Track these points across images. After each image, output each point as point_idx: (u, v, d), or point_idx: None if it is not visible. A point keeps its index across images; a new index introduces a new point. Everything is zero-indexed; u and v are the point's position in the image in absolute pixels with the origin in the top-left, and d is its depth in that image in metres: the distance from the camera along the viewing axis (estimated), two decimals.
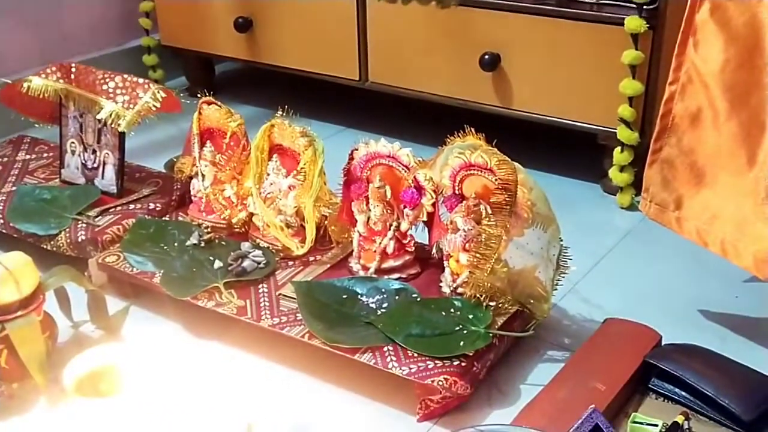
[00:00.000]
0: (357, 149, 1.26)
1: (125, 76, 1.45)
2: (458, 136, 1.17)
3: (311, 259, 1.29)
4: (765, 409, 1.01)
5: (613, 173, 1.58)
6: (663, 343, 1.13)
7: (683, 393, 1.05)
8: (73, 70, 1.49)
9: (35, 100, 1.52)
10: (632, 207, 1.58)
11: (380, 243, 1.24)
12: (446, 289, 1.20)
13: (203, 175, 1.38)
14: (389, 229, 1.24)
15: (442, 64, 1.71)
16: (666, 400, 1.06)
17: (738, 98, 1.09)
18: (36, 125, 1.62)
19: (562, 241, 1.18)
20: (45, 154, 1.65)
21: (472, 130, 1.16)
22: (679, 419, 1.02)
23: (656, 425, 1.01)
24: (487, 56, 1.61)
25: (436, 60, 1.71)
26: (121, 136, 1.46)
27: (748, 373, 1.06)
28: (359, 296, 1.20)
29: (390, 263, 1.25)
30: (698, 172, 1.16)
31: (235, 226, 1.37)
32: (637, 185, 1.50)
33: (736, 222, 1.12)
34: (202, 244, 1.31)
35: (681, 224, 1.20)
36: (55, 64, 1.50)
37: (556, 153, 1.74)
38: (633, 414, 1.03)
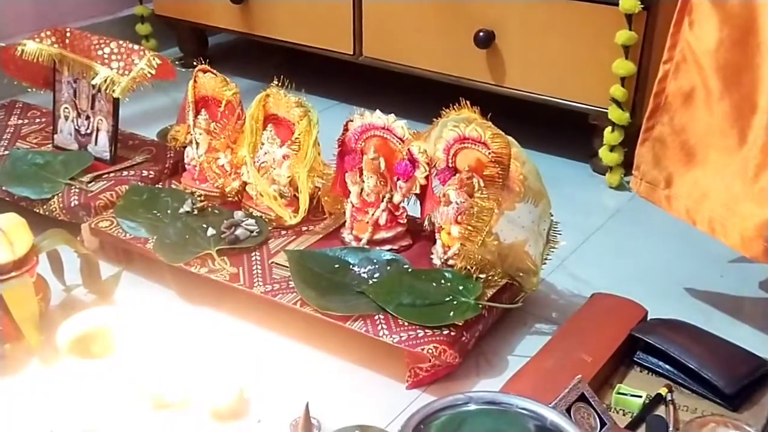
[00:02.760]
0: (352, 120, 1.26)
1: (120, 42, 1.45)
2: (453, 108, 1.18)
3: (304, 229, 1.30)
4: (746, 383, 1.03)
5: (603, 153, 1.60)
6: (649, 318, 1.15)
7: (667, 366, 1.07)
8: (68, 35, 1.48)
9: (29, 65, 1.51)
10: (621, 187, 1.59)
11: (373, 214, 1.25)
12: (437, 261, 1.22)
13: (197, 143, 1.38)
14: (382, 201, 1.25)
15: (436, 40, 1.71)
16: (650, 373, 1.08)
17: (731, 78, 1.10)
18: (29, 90, 1.61)
19: (552, 216, 1.20)
20: (38, 120, 1.64)
21: (467, 103, 1.16)
22: (663, 391, 1.04)
23: (640, 396, 1.03)
24: (481, 33, 1.62)
25: (430, 36, 1.72)
26: (116, 102, 1.46)
27: (731, 348, 1.08)
28: (351, 266, 1.21)
29: (382, 234, 1.26)
30: (689, 151, 1.18)
31: (229, 195, 1.37)
32: (626, 165, 1.51)
33: (725, 201, 1.14)
34: (195, 212, 1.32)
35: (671, 202, 1.22)
36: (50, 29, 1.49)
37: (547, 132, 1.75)
38: (618, 385, 1.05)
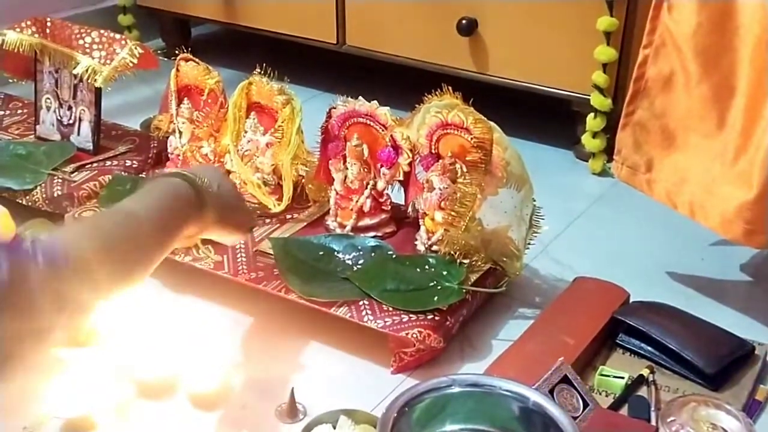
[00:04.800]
0: (335, 107, 1.26)
1: (102, 31, 1.44)
2: (436, 94, 1.18)
3: (288, 216, 1.31)
4: (726, 363, 1.05)
5: (585, 139, 1.60)
6: (631, 300, 1.16)
7: (649, 348, 1.08)
8: (49, 24, 1.48)
9: (10, 55, 1.50)
10: (604, 173, 1.60)
11: (357, 201, 1.26)
12: (421, 247, 1.22)
13: (180, 132, 1.38)
14: (366, 188, 1.26)
15: (419, 29, 1.71)
16: (632, 355, 1.09)
17: (710, 62, 1.11)
18: (10, 81, 1.60)
19: (535, 201, 1.20)
20: (19, 111, 1.63)
21: (449, 89, 1.17)
22: (645, 372, 1.05)
23: (622, 378, 1.04)
24: (464, 21, 1.62)
25: (413, 24, 1.72)
26: (98, 92, 1.45)
27: (711, 330, 1.10)
28: (335, 253, 1.21)
29: (366, 221, 1.27)
30: (669, 135, 1.19)
31: None
32: (609, 151, 1.52)
33: (705, 184, 1.15)
34: None
35: (651, 186, 1.23)
36: (30, 19, 1.48)
37: (530, 119, 1.76)
38: (600, 367, 1.06)
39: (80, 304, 0.73)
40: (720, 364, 1.04)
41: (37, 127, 1.54)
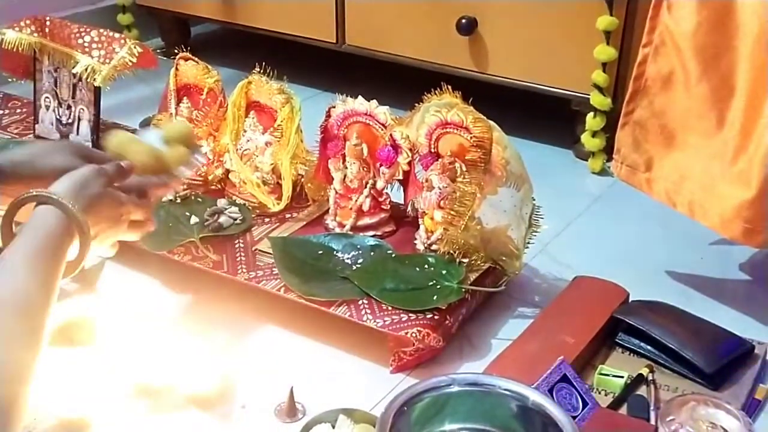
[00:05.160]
0: (334, 107, 1.26)
1: (101, 30, 1.44)
2: (435, 93, 1.18)
3: (287, 216, 1.30)
4: (726, 363, 1.05)
5: (585, 139, 1.60)
6: (630, 300, 1.16)
7: (648, 347, 1.08)
8: (48, 23, 1.48)
9: (9, 54, 1.50)
10: (603, 172, 1.60)
11: (356, 200, 1.26)
12: (420, 246, 1.22)
13: None
14: (365, 187, 1.25)
15: (419, 28, 1.71)
16: (632, 354, 1.09)
17: (709, 61, 1.11)
18: (9, 80, 1.60)
19: (534, 200, 1.20)
20: (19, 110, 1.63)
21: (449, 87, 1.17)
22: (644, 371, 1.05)
23: (622, 377, 1.04)
24: (464, 20, 1.62)
25: (413, 23, 1.72)
26: (97, 91, 1.45)
27: (711, 329, 1.10)
28: (335, 252, 1.21)
29: (366, 221, 1.26)
30: (669, 134, 1.19)
31: (212, 183, 1.37)
32: (608, 151, 1.52)
33: (704, 183, 1.15)
34: (178, 201, 1.32)
35: (651, 185, 1.23)
36: (30, 17, 1.48)
37: (530, 119, 1.76)
38: (600, 366, 1.06)
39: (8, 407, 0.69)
40: (719, 363, 1.04)
41: (36, 126, 1.54)
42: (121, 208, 0.91)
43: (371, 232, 1.26)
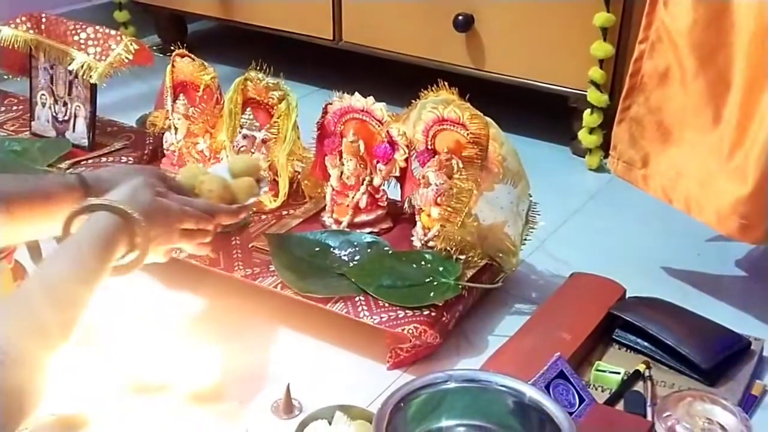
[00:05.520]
0: (331, 103, 1.26)
1: (97, 27, 1.44)
2: (432, 90, 1.18)
3: (284, 213, 1.30)
4: (722, 359, 1.05)
5: (582, 135, 1.60)
6: (627, 296, 1.16)
7: (645, 343, 1.08)
8: (44, 20, 1.47)
9: (4, 51, 1.50)
10: (600, 169, 1.60)
11: (353, 197, 1.26)
12: (417, 243, 1.22)
13: (176, 129, 1.37)
14: (362, 184, 1.25)
15: (416, 25, 1.71)
16: (629, 350, 1.09)
17: (705, 57, 1.11)
18: (5, 77, 1.60)
19: (531, 196, 1.20)
20: (15, 107, 1.63)
21: (446, 84, 1.17)
22: (641, 368, 1.05)
23: (619, 373, 1.04)
24: (461, 17, 1.62)
25: (410, 20, 1.71)
26: (93, 88, 1.45)
27: (707, 325, 1.10)
28: (332, 249, 1.21)
29: (362, 218, 1.26)
30: (665, 130, 1.19)
31: None
32: (605, 147, 1.52)
33: (701, 179, 1.15)
34: None
35: (647, 182, 1.23)
36: (25, 14, 1.48)
37: (527, 115, 1.76)
38: (597, 362, 1.06)
39: (28, 394, 0.71)
40: (716, 360, 1.04)
41: (33, 123, 1.53)
42: (172, 215, 0.96)
43: (368, 229, 1.26)
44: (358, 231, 1.25)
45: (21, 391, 0.70)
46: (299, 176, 1.32)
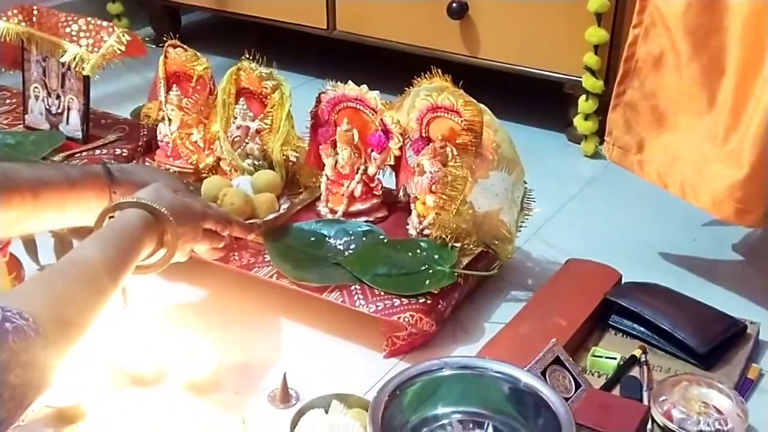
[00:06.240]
0: (324, 92, 1.26)
1: (89, 18, 1.43)
2: (425, 78, 1.18)
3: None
4: (718, 343, 1.05)
5: (577, 122, 1.60)
6: (623, 281, 1.16)
7: (641, 328, 1.08)
8: (35, 12, 1.46)
9: None
10: (596, 155, 1.60)
11: (348, 186, 1.25)
12: (413, 231, 1.22)
13: (170, 120, 1.37)
14: (357, 173, 1.25)
15: (410, 13, 1.70)
16: (625, 335, 1.09)
17: (699, 41, 1.11)
18: None
19: (526, 183, 1.20)
20: (8, 101, 1.62)
21: (439, 71, 1.16)
22: (637, 353, 1.05)
23: (615, 358, 1.04)
24: (455, 4, 1.62)
25: (404, 8, 1.71)
26: (86, 80, 1.44)
27: (703, 309, 1.10)
28: (327, 238, 1.21)
29: (357, 206, 1.26)
30: (660, 116, 1.19)
31: (203, 171, 1.36)
32: (601, 134, 1.52)
33: (696, 163, 1.15)
34: None
35: (642, 167, 1.23)
36: (17, 7, 1.47)
37: (522, 102, 1.76)
38: (593, 348, 1.06)
39: (49, 371, 0.72)
40: (712, 344, 1.04)
41: (26, 116, 1.53)
42: (196, 213, 1.00)
43: (363, 218, 1.26)
44: (353, 220, 1.24)
45: (44, 367, 0.71)
46: (294, 166, 1.31)
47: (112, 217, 0.93)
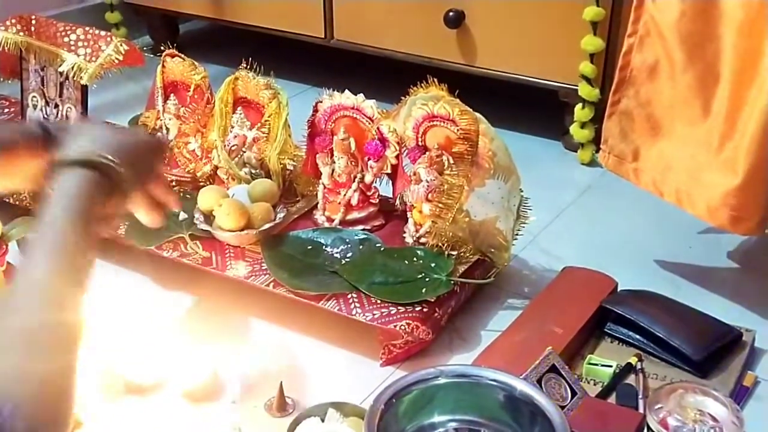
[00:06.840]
0: (321, 101, 1.26)
1: (87, 28, 1.43)
2: (422, 86, 1.18)
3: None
4: (714, 351, 1.05)
5: (574, 130, 1.61)
6: (619, 289, 1.17)
7: (637, 336, 1.09)
8: (34, 22, 1.47)
9: None
10: (592, 163, 1.61)
11: (345, 195, 1.26)
12: (409, 240, 1.22)
13: (167, 129, 1.37)
14: (353, 181, 1.25)
15: (407, 22, 1.71)
16: (620, 343, 1.10)
17: (694, 49, 1.11)
18: None
19: (522, 191, 1.20)
20: (6, 110, 1.63)
21: (435, 80, 1.17)
22: (633, 360, 1.05)
23: (611, 366, 1.04)
24: (451, 13, 1.62)
25: (401, 17, 1.71)
26: (84, 89, 1.44)
27: (698, 317, 1.10)
28: (324, 247, 1.21)
29: (354, 215, 1.27)
30: (655, 124, 1.19)
31: (200, 180, 1.37)
32: (597, 142, 1.51)
33: (691, 171, 1.15)
34: None
35: (638, 175, 1.23)
36: (15, 16, 1.47)
37: (518, 111, 1.76)
38: (589, 356, 1.06)
39: None
40: (707, 351, 1.05)
41: None
42: (144, 145, 0.87)
43: (360, 226, 1.26)
44: (350, 228, 1.25)
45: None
46: (291, 174, 1.32)
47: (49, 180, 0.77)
